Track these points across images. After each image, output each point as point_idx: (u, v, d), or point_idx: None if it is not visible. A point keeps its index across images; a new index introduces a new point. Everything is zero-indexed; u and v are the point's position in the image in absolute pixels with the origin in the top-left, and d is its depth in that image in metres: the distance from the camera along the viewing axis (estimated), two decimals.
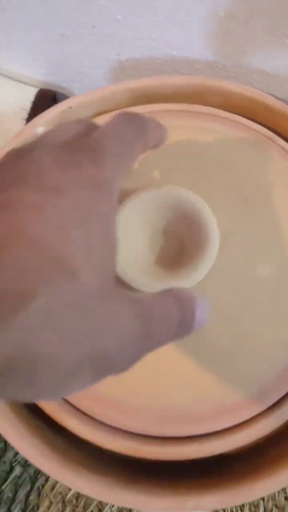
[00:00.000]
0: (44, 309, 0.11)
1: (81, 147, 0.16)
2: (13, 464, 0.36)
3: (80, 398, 0.25)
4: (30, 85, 0.44)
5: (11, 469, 0.36)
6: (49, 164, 0.15)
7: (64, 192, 0.14)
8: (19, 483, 0.36)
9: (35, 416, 0.26)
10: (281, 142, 0.29)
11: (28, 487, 0.36)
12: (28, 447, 0.24)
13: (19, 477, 0.36)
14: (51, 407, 0.25)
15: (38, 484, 0.36)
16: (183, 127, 0.28)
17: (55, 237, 0.13)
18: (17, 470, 0.36)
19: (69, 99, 0.32)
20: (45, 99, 0.42)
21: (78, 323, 0.12)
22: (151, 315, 0.14)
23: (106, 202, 0.15)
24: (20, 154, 0.15)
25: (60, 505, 0.35)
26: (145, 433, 0.24)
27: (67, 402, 0.25)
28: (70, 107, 0.31)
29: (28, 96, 0.42)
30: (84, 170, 0.15)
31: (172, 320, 0.15)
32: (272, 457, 0.24)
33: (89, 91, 0.32)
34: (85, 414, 0.25)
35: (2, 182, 0.14)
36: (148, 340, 0.14)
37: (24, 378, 0.11)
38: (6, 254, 0.12)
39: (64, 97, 0.44)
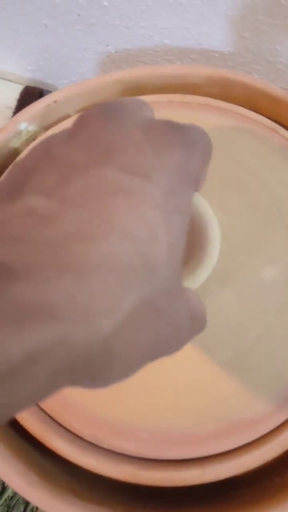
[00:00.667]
0: (127, 312, 0.12)
1: (173, 129, 0.15)
2: (5, 485, 0.35)
3: (70, 418, 0.23)
4: (15, 82, 0.44)
5: (3, 490, 0.35)
6: (141, 143, 0.14)
7: (154, 177, 0.13)
8: (12, 505, 0.35)
9: (20, 437, 0.25)
10: (285, 132, 0.28)
11: (21, 508, 0.35)
12: (12, 473, 0.23)
13: (11, 498, 0.35)
14: (38, 428, 0.24)
15: (32, 505, 0.34)
16: (175, 118, 0.26)
17: (143, 230, 0.13)
18: (10, 491, 0.35)
19: (54, 93, 0.31)
20: (31, 96, 0.42)
21: (150, 321, 0.13)
22: (193, 313, 0.15)
23: (189, 194, 0.15)
24: (107, 118, 0.14)
25: None
26: (142, 456, 0.23)
27: (55, 422, 0.24)
28: (55, 101, 0.30)
29: (13, 94, 0.42)
30: (175, 155, 0.14)
31: (202, 319, 0.16)
32: (284, 481, 0.23)
33: (76, 83, 0.30)
34: (76, 435, 0.23)
35: (92, 155, 0.13)
36: (189, 336, 0.15)
37: (97, 374, 0.12)
38: (95, 247, 0.12)
39: None
